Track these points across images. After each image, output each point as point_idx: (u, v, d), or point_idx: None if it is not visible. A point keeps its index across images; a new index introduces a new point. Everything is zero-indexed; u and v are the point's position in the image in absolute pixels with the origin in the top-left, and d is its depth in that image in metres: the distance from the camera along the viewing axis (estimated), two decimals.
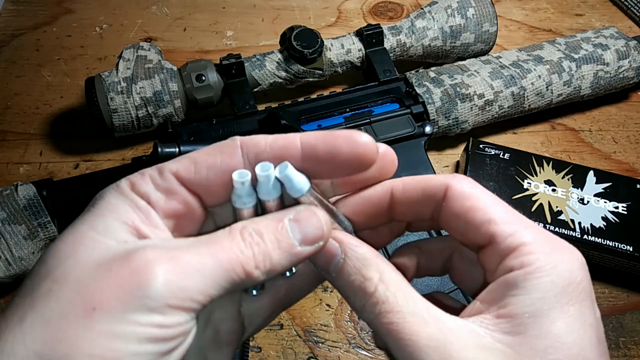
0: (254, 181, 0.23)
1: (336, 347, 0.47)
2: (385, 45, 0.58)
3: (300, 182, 0.23)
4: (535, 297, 0.21)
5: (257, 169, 0.22)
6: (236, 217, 0.23)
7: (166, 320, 0.20)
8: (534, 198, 0.50)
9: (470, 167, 0.52)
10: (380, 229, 0.27)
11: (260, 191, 0.23)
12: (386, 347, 0.25)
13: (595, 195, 0.50)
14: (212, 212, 0.25)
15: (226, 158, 0.23)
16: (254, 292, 0.26)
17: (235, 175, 0.22)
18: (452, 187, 0.24)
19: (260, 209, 0.24)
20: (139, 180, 0.22)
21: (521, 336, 0.21)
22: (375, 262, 0.23)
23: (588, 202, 0.50)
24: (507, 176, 0.51)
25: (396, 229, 0.28)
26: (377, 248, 0.25)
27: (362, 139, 0.23)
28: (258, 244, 0.22)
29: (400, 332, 0.21)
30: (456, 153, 0.60)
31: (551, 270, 0.22)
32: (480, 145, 0.53)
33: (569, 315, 0.21)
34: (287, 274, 0.26)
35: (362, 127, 0.51)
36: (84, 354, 0.19)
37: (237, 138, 0.24)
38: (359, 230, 0.26)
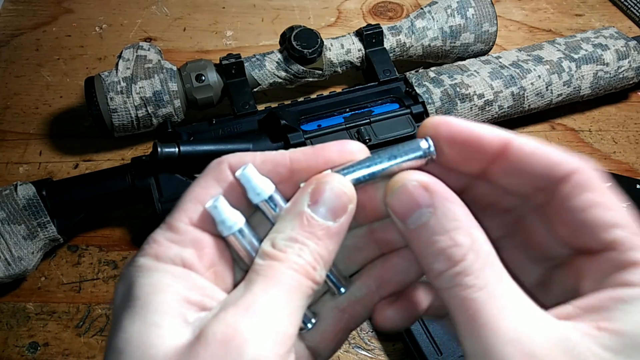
0: (237, 200, 0.22)
1: None
2: (385, 45, 0.58)
3: (261, 184, 0.21)
4: None
5: (237, 173, 0.22)
6: (238, 244, 0.22)
7: None
8: None
9: None
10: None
11: (250, 194, 0.22)
12: (399, 326, 0.23)
13: None
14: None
15: (223, 184, 0.22)
16: (308, 326, 0.24)
17: (207, 205, 0.21)
18: (578, 174, 0.21)
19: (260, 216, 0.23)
20: (159, 249, 0.21)
21: (624, 356, 0.18)
22: (469, 225, 0.20)
23: None
24: None
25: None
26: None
27: (352, 147, 0.22)
28: (302, 250, 0.20)
29: (480, 312, 0.19)
30: None
31: None
32: None
33: None
34: (308, 325, 0.24)
35: (362, 127, 0.51)
36: None
37: (224, 160, 0.22)
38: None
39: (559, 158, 0.21)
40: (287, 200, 0.22)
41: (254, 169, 0.21)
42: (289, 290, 0.20)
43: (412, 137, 0.51)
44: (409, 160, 0.22)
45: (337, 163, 0.22)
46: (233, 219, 0.21)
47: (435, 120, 0.22)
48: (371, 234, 0.25)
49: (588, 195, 0.20)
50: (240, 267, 0.23)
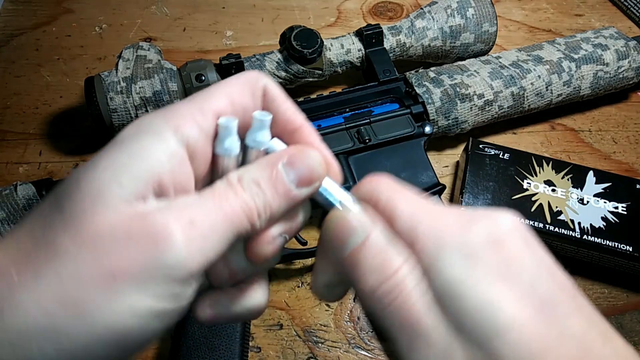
0: (241, 131, 0.23)
1: (336, 347, 0.47)
2: (385, 45, 0.58)
3: (266, 134, 0.23)
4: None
5: (256, 113, 0.23)
6: (221, 166, 0.23)
7: (182, 291, 0.20)
8: (533, 198, 0.50)
9: (470, 167, 0.52)
10: None
11: (250, 137, 0.23)
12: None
13: (595, 195, 0.50)
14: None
15: (256, 101, 0.24)
16: None
17: (221, 120, 0.22)
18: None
19: (242, 159, 0.24)
20: (178, 120, 0.22)
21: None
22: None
23: (588, 202, 0.50)
24: (506, 176, 0.51)
25: None
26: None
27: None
28: (257, 195, 0.22)
29: (422, 319, 0.20)
30: (456, 153, 0.60)
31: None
32: (480, 146, 0.53)
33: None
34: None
35: (361, 127, 0.51)
36: (98, 322, 0.19)
37: (261, 77, 0.24)
38: None
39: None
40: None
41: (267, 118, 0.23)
42: (229, 221, 0.21)
43: (411, 137, 0.51)
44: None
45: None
46: (232, 145, 0.23)
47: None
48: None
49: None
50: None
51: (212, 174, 0.24)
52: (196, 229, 0.20)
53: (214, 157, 0.23)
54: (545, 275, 0.20)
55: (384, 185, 0.23)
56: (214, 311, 0.24)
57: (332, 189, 0.24)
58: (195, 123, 0.22)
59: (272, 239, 0.23)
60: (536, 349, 0.18)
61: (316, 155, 0.23)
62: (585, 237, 0.48)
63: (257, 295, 0.25)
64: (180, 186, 0.22)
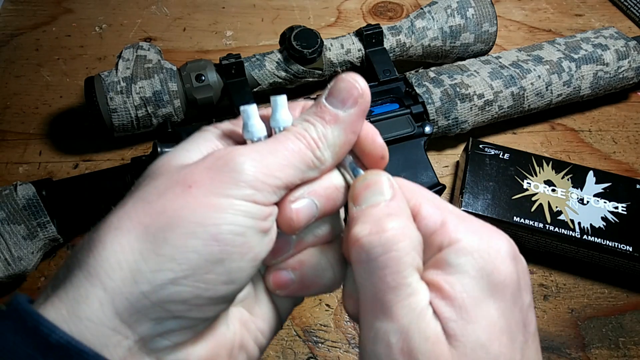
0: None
1: (336, 347, 0.47)
2: (385, 45, 0.58)
3: (286, 115, 0.25)
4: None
5: (272, 97, 0.25)
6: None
7: (257, 195, 0.22)
8: (533, 198, 0.50)
9: (470, 167, 0.52)
10: None
11: (272, 119, 0.25)
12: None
13: (595, 195, 0.50)
14: None
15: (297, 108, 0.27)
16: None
17: (242, 107, 0.24)
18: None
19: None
20: (220, 125, 0.26)
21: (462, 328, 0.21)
22: (407, 218, 0.24)
23: (588, 202, 0.50)
24: (506, 176, 0.51)
25: None
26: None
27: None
28: (308, 127, 0.24)
29: (386, 294, 0.22)
30: (456, 153, 0.60)
31: (480, 248, 0.22)
32: (480, 146, 0.53)
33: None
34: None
35: None
36: (186, 221, 0.21)
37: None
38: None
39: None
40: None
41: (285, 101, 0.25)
42: (290, 150, 0.23)
43: (411, 137, 0.51)
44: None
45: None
46: (254, 128, 0.25)
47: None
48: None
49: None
50: None
51: None
52: (260, 152, 0.23)
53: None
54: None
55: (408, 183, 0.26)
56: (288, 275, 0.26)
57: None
58: (233, 127, 0.26)
59: (295, 199, 0.24)
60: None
61: (351, 77, 0.25)
62: (585, 237, 0.48)
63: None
64: None
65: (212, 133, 0.25)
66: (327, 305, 0.49)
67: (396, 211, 0.23)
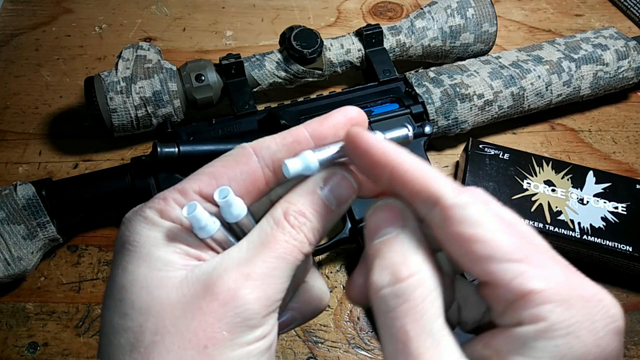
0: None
1: (335, 347, 0.47)
2: (385, 46, 0.58)
3: (238, 207, 0.23)
4: None
5: (216, 194, 0.23)
6: (216, 243, 0.23)
7: (266, 330, 0.22)
8: (533, 198, 0.50)
9: (470, 167, 0.52)
10: None
11: (226, 216, 0.23)
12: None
13: (595, 195, 0.50)
14: None
15: (244, 167, 0.23)
16: None
17: (185, 214, 0.22)
18: (450, 209, 0.21)
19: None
20: (166, 207, 0.23)
21: None
22: (421, 257, 0.22)
23: (587, 202, 0.50)
24: (506, 176, 0.51)
25: None
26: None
27: (351, 110, 0.25)
28: (305, 224, 0.23)
29: (409, 345, 0.20)
30: (456, 153, 0.60)
31: (569, 328, 0.19)
32: (480, 146, 0.53)
33: None
34: None
35: None
36: None
37: (246, 145, 0.24)
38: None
39: (429, 190, 0.22)
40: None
41: (232, 193, 0.23)
42: (285, 263, 0.22)
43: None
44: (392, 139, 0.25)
45: (343, 123, 0.24)
46: (209, 226, 0.23)
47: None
48: None
49: (460, 228, 0.21)
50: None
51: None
52: (257, 281, 0.21)
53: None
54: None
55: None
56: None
57: None
58: (176, 204, 0.23)
59: None
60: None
61: (346, 174, 0.24)
62: (585, 237, 0.48)
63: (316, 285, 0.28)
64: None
65: (163, 231, 0.22)
66: (327, 305, 0.49)
67: (409, 248, 0.22)
